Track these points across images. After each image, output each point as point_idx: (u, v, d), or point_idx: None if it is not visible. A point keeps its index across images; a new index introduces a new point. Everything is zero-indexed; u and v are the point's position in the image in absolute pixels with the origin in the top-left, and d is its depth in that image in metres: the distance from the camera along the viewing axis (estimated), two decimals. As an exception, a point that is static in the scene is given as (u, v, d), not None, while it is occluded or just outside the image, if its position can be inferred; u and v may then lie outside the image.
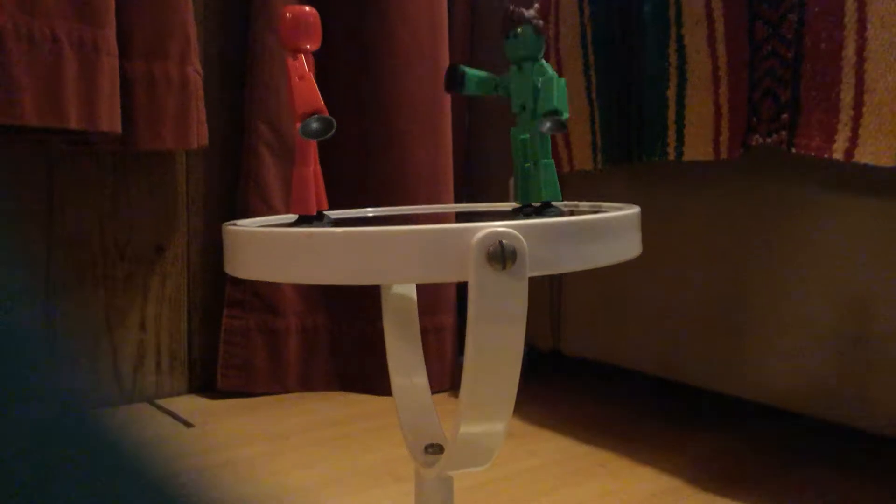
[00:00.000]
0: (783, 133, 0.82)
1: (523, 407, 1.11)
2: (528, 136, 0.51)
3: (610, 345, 1.08)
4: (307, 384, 1.19)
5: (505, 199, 1.20)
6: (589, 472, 0.87)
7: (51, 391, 0.17)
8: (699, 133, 0.90)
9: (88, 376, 0.18)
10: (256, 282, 1.14)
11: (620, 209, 0.48)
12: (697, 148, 0.91)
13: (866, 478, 0.86)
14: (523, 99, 0.51)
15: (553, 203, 0.50)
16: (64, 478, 0.16)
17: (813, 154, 0.78)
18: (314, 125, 0.44)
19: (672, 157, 0.93)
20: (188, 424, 1.03)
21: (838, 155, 0.76)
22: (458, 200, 1.29)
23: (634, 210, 0.48)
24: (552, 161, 0.50)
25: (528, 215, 0.50)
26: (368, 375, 1.18)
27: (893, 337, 0.76)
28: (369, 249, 0.39)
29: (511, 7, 0.51)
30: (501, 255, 0.38)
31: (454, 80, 0.52)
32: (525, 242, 0.39)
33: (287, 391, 1.17)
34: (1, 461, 0.16)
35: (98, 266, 1.08)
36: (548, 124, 0.48)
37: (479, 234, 0.38)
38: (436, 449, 0.56)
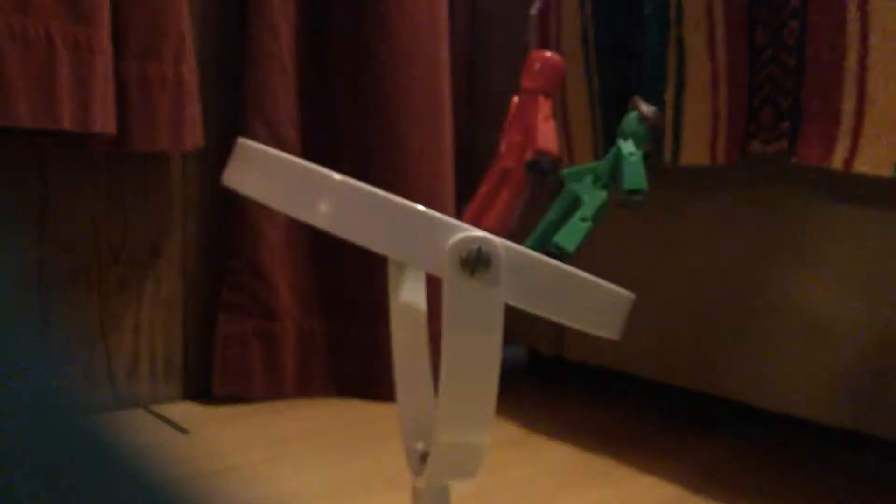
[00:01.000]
0: (783, 142, 0.81)
1: (524, 413, 1.11)
2: (582, 191, 0.53)
3: (613, 350, 1.08)
4: (304, 390, 1.17)
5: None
6: (590, 481, 0.86)
7: (44, 396, 0.17)
8: (696, 137, 0.90)
9: (82, 381, 0.18)
10: (253, 285, 1.13)
11: (618, 289, 0.48)
12: (694, 153, 0.90)
13: (875, 484, 0.85)
14: (602, 168, 0.54)
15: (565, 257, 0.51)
16: (58, 485, 0.16)
17: (813, 164, 0.78)
18: (545, 164, 0.51)
19: (668, 160, 0.92)
20: (184, 431, 1.02)
21: (837, 165, 0.76)
22: (458, 203, 1.27)
23: (626, 295, 0.47)
24: (592, 226, 0.52)
25: None
26: (366, 381, 1.16)
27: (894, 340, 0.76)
28: (353, 205, 0.39)
29: (634, 98, 0.57)
30: (474, 262, 0.38)
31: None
32: (502, 251, 0.38)
33: (284, 397, 1.16)
34: None
35: (92, 269, 1.07)
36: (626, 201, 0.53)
37: (456, 237, 0.38)
38: None
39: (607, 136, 1.02)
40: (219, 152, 1.16)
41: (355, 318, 1.18)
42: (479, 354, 0.40)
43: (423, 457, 0.55)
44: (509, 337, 1.16)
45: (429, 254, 0.38)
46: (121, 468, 0.18)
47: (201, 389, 1.16)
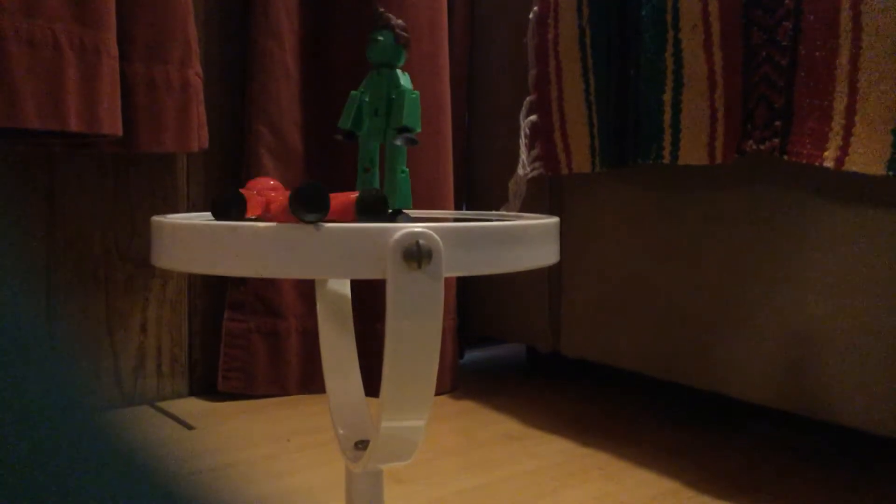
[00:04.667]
0: (776, 140, 0.82)
1: (522, 408, 1.12)
2: (376, 144, 0.52)
3: (609, 346, 1.09)
4: (308, 386, 1.19)
5: (506, 201, 1.21)
6: (588, 475, 0.87)
7: (51, 394, 0.17)
8: (694, 137, 0.91)
9: (89, 379, 0.18)
10: (257, 284, 1.15)
11: (539, 218, 0.49)
12: (692, 152, 0.91)
13: (875, 482, 0.86)
14: (377, 104, 0.51)
15: (404, 210, 0.51)
16: (64, 481, 0.16)
17: (804, 161, 0.79)
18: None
19: (667, 160, 0.94)
20: (189, 427, 1.03)
21: (829, 163, 0.77)
22: (457, 205, 1.28)
23: (552, 220, 0.49)
24: (407, 171, 0.52)
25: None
26: (370, 377, 1.17)
27: (886, 338, 0.77)
28: (290, 245, 0.40)
29: (379, 8, 0.51)
30: (417, 254, 0.39)
31: (347, 136, 0.53)
32: (441, 243, 0.40)
33: (287, 393, 1.17)
34: (1, 464, 0.16)
35: (99, 268, 1.08)
36: (399, 140, 0.49)
37: (397, 235, 0.39)
38: (365, 445, 0.57)
39: (603, 135, 1.03)
40: (224, 153, 1.18)
41: (357, 316, 1.18)
42: (422, 342, 0.42)
43: (358, 444, 0.57)
44: (508, 335, 1.16)
45: (373, 263, 0.40)
46: (127, 464, 0.18)
47: (206, 386, 1.18)
